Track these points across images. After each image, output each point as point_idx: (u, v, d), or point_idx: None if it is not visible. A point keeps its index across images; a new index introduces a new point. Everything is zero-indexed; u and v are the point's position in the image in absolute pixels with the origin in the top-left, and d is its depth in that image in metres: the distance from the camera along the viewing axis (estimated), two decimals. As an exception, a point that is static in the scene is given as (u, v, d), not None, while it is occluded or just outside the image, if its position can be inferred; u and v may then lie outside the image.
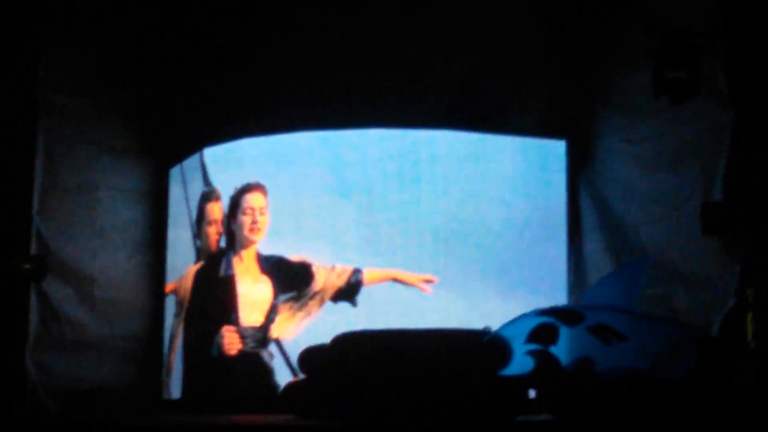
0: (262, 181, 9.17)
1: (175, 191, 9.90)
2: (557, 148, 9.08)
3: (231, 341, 8.95)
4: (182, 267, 9.58)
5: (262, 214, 9.13)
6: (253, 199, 9.15)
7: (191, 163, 9.73)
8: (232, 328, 8.99)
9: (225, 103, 9.47)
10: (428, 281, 8.75)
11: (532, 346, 6.18)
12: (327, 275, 8.93)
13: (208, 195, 9.58)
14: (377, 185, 9.03)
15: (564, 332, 6.18)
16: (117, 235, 9.78)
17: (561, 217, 8.97)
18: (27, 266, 9.44)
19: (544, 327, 6.21)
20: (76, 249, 9.57)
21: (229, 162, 9.45)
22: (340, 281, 8.91)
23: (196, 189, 9.67)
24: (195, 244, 9.57)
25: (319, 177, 9.12)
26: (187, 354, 9.37)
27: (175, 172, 9.89)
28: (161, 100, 9.75)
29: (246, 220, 9.16)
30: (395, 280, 8.84)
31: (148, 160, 9.95)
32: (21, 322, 9.51)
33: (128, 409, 9.45)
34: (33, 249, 9.53)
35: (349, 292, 8.88)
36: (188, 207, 9.74)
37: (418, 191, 8.99)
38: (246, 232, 9.14)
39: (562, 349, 6.17)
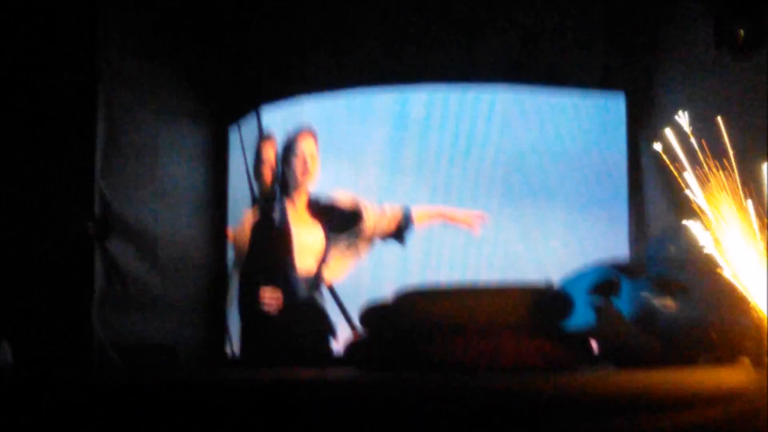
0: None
1: (234, 151, 10.03)
2: (617, 103, 9.04)
3: (272, 299, 8.88)
4: (241, 215, 9.72)
5: (313, 158, 9.11)
6: (305, 144, 9.14)
7: (249, 122, 9.85)
8: (272, 287, 8.89)
9: (283, 62, 9.54)
10: (478, 219, 8.80)
11: (594, 298, 6.18)
12: (377, 216, 8.99)
13: (263, 136, 9.72)
14: (436, 141, 9.08)
15: (626, 284, 6.19)
16: (179, 196, 9.91)
17: (622, 173, 8.95)
18: (91, 227, 9.61)
19: (606, 279, 6.22)
20: (139, 210, 9.70)
21: (286, 120, 9.50)
22: (390, 222, 8.99)
23: (252, 141, 9.82)
24: (252, 190, 9.71)
25: (378, 133, 9.18)
26: (242, 308, 9.45)
27: (234, 132, 10.01)
28: (219, 60, 9.83)
29: (298, 163, 9.13)
30: (443, 217, 8.92)
31: (207, 120, 10.04)
32: (86, 282, 9.70)
33: (192, 365, 9.60)
34: (97, 210, 9.69)
35: (398, 231, 8.98)
36: (244, 155, 9.89)
37: (478, 147, 9.03)
38: (299, 175, 9.12)
39: (624, 301, 6.16)
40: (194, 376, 7.33)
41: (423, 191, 9.11)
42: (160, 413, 3.90)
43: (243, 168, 9.89)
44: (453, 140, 9.08)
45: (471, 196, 8.97)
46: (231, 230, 9.89)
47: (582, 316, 6.18)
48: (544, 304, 6.34)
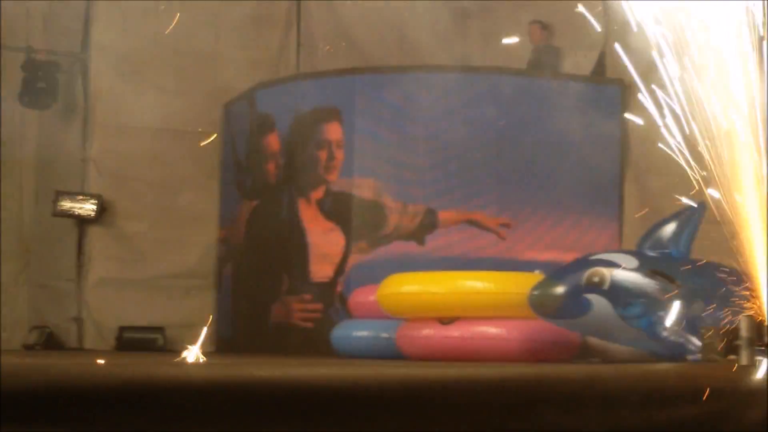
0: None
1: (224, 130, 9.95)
2: (612, 91, 9.00)
3: (309, 314, 8.55)
4: (232, 209, 9.66)
5: (339, 147, 8.34)
6: (331, 130, 8.35)
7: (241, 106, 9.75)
8: (291, 298, 8.71)
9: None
10: (505, 225, 8.34)
11: (589, 290, 6.17)
12: (400, 216, 8.33)
13: (263, 124, 9.21)
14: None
15: (618, 275, 6.18)
16: (174, 178, 9.92)
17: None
18: (85, 206, 9.63)
19: (596, 270, 6.21)
20: (134, 190, 9.72)
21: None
22: (413, 222, 8.35)
23: (243, 123, 9.60)
24: (245, 183, 9.53)
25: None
26: (236, 301, 9.40)
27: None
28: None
29: (321, 155, 8.40)
30: (471, 222, 8.32)
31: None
32: (79, 261, 9.74)
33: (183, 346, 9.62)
34: (91, 190, 9.72)
35: (420, 232, 8.35)
36: (233, 142, 9.71)
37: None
38: (321, 170, 8.41)
39: (616, 293, 6.15)
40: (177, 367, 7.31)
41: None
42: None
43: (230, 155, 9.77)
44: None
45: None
46: (223, 229, 9.76)
47: (576, 306, 6.16)
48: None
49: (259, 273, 9.11)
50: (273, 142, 9.05)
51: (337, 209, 8.56)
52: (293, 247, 8.69)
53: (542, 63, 9.18)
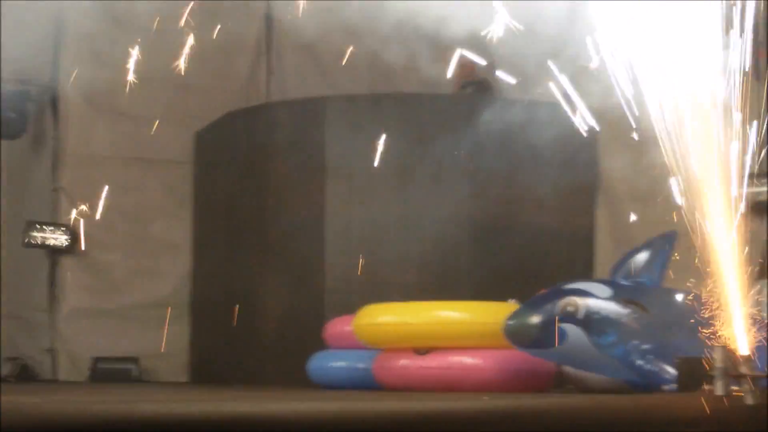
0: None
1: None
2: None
3: None
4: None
5: None
6: None
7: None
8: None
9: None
10: None
11: (563, 319, 6.20)
12: None
13: None
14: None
15: (592, 305, 6.22)
16: (146, 207, 9.92)
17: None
18: (56, 236, 9.59)
19: (571, 300, 6.25)
20: (106, 220, 9.69)
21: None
22: None
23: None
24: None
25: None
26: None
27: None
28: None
29: None
30: None
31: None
32: (52, 292, 9.70)
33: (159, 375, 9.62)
34: (62, 220, 9.69)
35: None
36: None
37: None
38: None
39: (590, 322, 6.20)
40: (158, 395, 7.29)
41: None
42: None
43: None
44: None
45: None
46: None
47: (550, 339, 6.20)
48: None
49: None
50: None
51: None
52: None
53: None
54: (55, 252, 9.72)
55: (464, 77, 9.46)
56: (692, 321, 5.31)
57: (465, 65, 9.24)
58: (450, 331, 6.96)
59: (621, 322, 6.21)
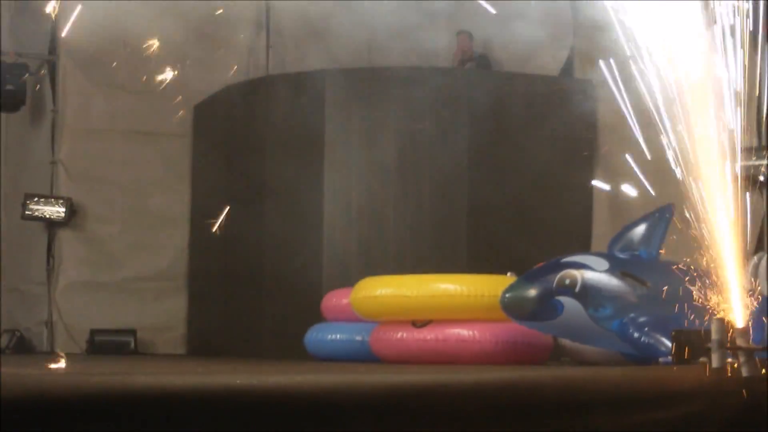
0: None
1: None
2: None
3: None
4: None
5: None
6: None
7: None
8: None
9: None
10: None
11: (560, 292, 6.20)
12: None
13: None
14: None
15: (589, 277, 6.22)
16: (145, 181, 9.91)
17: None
18: (54, 209, 9.60)
19: (568, 272, 6.25)
20: (104, 193, 9.70)
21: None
22: None
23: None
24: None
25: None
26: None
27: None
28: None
29: None
30: None
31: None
32: (49, 264, 9.71)
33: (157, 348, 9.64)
34: (61, 193, 9.69)
35: None
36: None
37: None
38: None
39: (587, 295, 6.20)
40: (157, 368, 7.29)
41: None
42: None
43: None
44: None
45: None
46: None
47: (547, 311, 6.21)
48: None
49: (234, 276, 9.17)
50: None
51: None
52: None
53: None
54: (52, 225, 9.72)
55: (463, 53, 9.48)
56: (689, 294, 5.32)
57: (463, 42, 9.26)
58: (447, 303, 6.96)
59: (618, 295, 6.21)
